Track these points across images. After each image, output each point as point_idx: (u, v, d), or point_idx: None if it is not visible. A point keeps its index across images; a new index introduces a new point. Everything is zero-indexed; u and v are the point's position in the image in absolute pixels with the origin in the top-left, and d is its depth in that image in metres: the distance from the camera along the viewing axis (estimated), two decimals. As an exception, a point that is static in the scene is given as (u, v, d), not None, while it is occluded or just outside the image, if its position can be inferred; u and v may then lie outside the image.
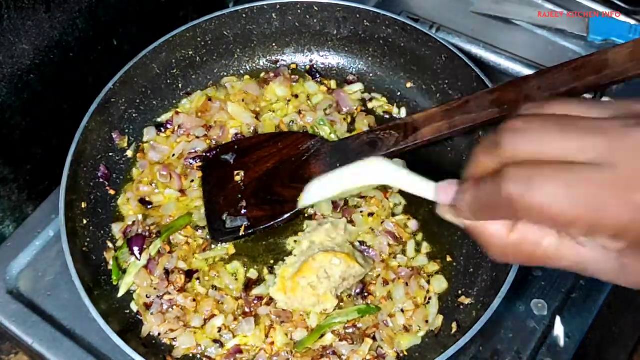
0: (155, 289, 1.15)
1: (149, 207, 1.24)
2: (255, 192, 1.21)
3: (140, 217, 1.21)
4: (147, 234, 1.19)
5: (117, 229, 1.22)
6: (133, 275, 1.16)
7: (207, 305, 1.14)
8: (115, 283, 1.16)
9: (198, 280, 1.16)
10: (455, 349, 1.01)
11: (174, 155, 1.29)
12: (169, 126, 1.32)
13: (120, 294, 1.15)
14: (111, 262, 1.17)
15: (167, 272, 1.16)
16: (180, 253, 1.18)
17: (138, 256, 1.16)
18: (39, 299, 1.18)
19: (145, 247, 1.17)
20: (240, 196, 1.21)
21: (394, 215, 1.23)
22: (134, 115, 1.31)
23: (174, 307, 1.14)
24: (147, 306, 1.14)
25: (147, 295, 1.15)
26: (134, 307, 1.15)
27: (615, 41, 1.42)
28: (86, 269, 1.12)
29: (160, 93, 1.34)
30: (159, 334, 1.12)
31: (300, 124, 1.33)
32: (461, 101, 1.16)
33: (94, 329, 1.05)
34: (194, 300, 1.14)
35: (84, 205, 1.20)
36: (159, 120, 1.34)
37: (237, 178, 1.22)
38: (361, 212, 1.22)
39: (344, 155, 1.21)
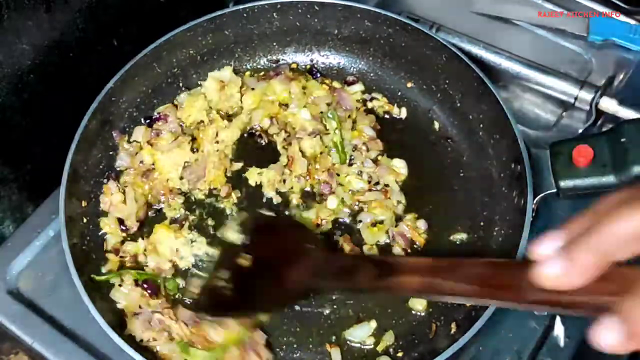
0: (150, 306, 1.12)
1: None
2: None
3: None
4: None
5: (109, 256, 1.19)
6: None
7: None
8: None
9: None
10: (455, 349, 1.01)
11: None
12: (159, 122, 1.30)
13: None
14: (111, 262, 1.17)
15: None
16: None
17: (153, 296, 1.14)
18: (39, 299, 1.18)
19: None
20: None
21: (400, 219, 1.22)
22: (135, 114, 1.31)
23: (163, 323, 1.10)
24: (136, 313, 1.11)
25: (139, 306, 1.12)
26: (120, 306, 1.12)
27: (615, 41, 1.42)
28: (86, 269, 1.12)
29: (161, 92, 1.34)
30: (141, 340, 1.09)
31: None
32: (453, 262, 0.88)
33: (94, 329, 1.05)
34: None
35: (84, 205, 1.20)
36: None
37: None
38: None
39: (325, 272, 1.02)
